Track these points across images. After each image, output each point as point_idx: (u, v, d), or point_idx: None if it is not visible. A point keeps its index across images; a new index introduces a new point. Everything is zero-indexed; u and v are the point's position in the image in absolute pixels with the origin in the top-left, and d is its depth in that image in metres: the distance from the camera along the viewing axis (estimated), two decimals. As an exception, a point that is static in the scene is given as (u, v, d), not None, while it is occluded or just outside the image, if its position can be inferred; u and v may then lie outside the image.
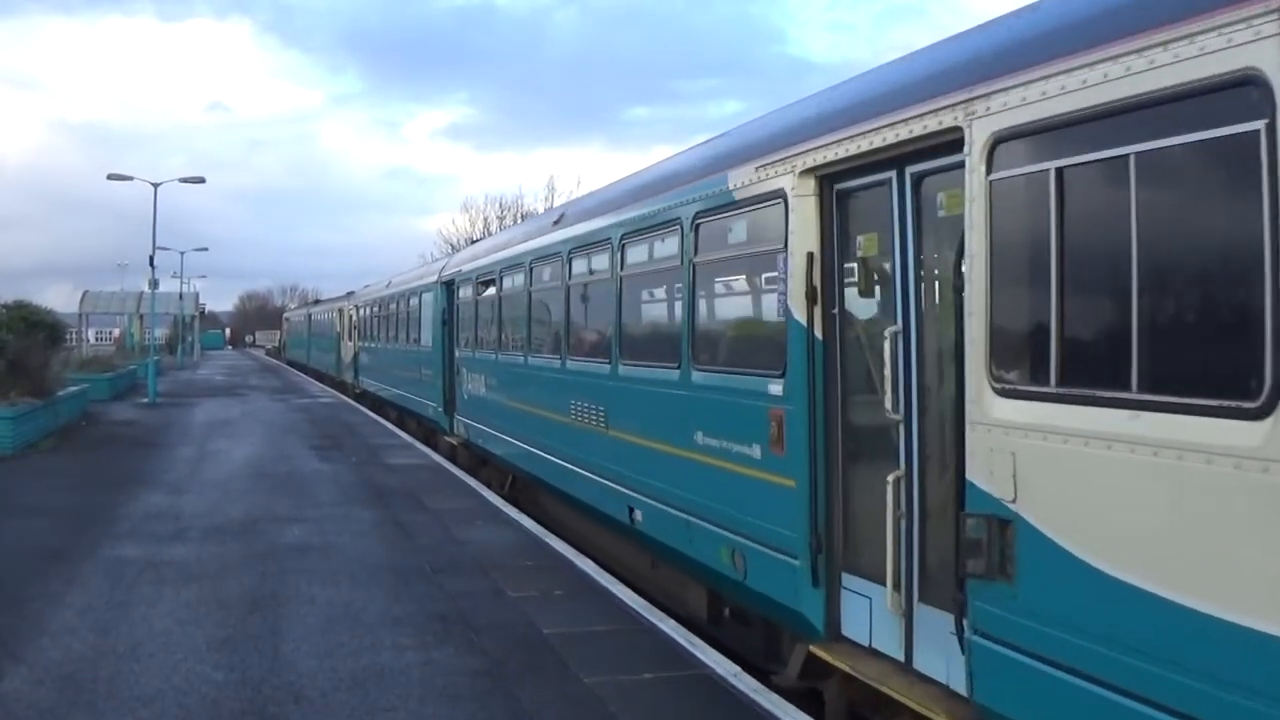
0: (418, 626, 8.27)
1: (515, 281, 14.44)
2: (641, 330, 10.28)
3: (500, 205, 63.20)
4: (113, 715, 6.41)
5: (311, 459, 18.97)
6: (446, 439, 19.76)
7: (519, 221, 48.77)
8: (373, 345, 31.47)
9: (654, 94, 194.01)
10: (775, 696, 6.78)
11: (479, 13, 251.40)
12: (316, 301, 59.22)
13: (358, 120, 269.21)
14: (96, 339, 77.56)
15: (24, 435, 19.76)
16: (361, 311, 34.34)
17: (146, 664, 7.33)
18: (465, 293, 18.06)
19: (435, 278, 21.06)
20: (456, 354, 18.59)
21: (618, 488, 9.86)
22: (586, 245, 11.10)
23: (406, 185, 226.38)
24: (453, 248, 56.77)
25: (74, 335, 55.88)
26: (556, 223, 12.67)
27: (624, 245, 9.93)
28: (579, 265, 11.46)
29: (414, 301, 23.78)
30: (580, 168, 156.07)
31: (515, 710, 6.51)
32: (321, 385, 43.53)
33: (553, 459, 12.23)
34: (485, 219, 62.39)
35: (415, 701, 6.63)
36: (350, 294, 40.26)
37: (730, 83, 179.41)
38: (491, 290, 16.09)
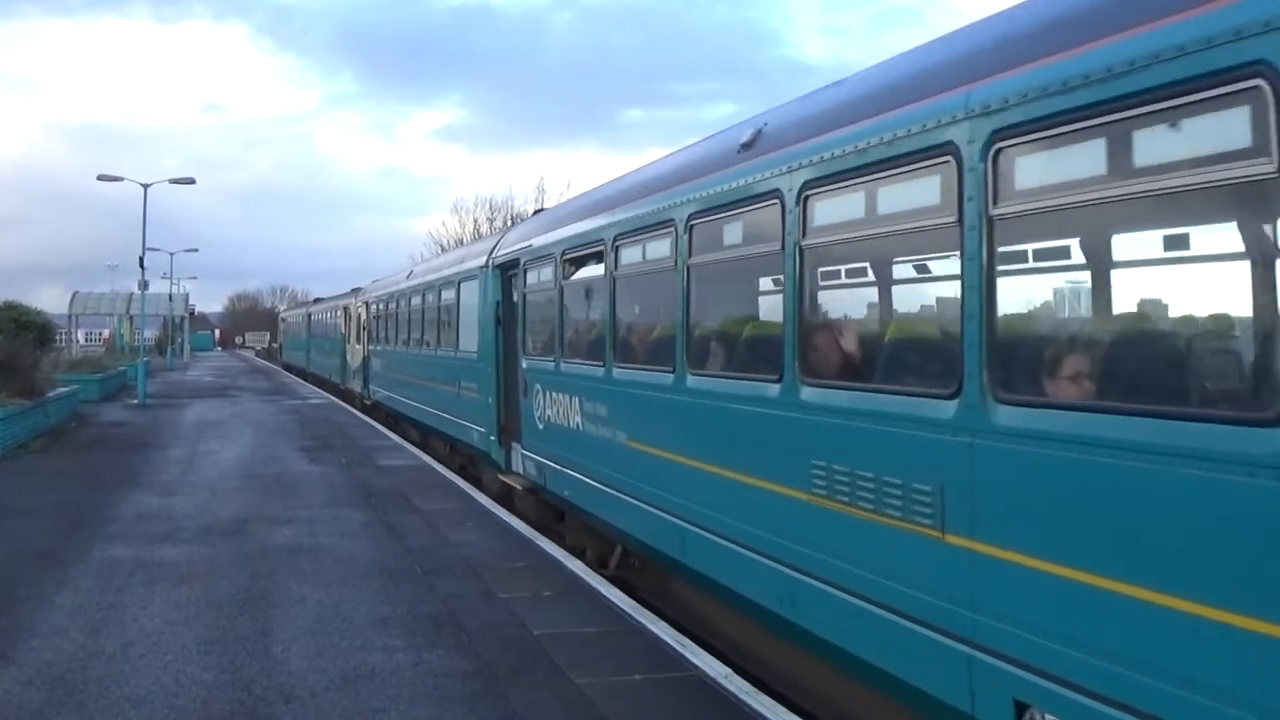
0: (408, 627, 8.28)
1: (650, 253, 9.16)
2: (1103, 335, 5.26)
3: (490, 207, 63.25)
4: (102, 716, 6.41)
5: (301, 460, 18.94)
6: (502, 479, 14.37)
7: (510, 223, 47.96)
8: (388, 349, 26.13)
9: (650, 96, 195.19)
10: (766, 698, 6.81)
11: (476, 14, 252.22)
12: (317, 300, 53.81)
13: (352, 121, 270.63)
14: (86, 340, 77.35)
15: (14, 436, 19.72)
16: (373, 309, 29.07)
17: (137, 665, 7.33)
18: (539, 277, 12.77)
19: (482, 260, 15.76)
20: (524, 364, 13.07)
21: (976, 653, 4.96)
22: (859, 171, 5.92)
23: (400, 186, 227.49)
24: (442, 248, 56.74)
25: (64, 336, 55.82)
26: (748, 146, 7.39)
27: (999, 154, 4.91)
28: (829, 211, 6.42)
29: (447, 295, 18.69)
30: (572, 170, 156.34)
31: (506, 712, 6.53)
32: (312, 387, 43.36)
33: (743, 550, 7.10)
34: (475, 220, 62.44)
35: (406, 702, 6.64)
36: (357, 290, 35.22)
37: (727, 85, 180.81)
38: (594, 270, 10.71)
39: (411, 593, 9.39)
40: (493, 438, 14.81)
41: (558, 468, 11.58)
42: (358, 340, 32.23)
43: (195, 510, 13.50)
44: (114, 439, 22.54)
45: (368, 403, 29.71)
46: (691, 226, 8.06)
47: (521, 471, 13.34)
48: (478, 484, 16.12)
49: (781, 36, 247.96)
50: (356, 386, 32.28)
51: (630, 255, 9.62)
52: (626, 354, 9.69)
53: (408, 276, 24.29)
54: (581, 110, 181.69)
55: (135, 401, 33.17)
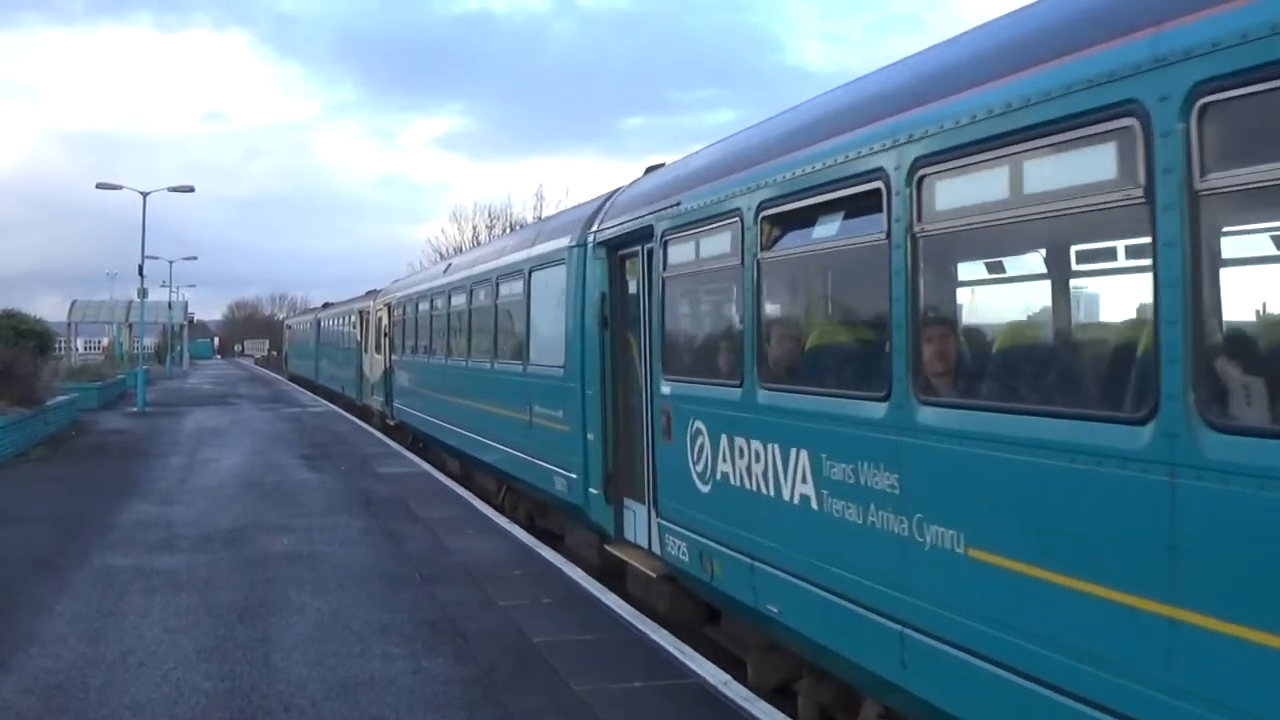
0: (407, 635, 8.28)
1: (1036, 182, 4.57)
2: None
3: (489, 214, 63.29)
4: (102, 724, 6.42)
5: (301, 468, 18.94)
6: (612, 551, 10.05)
7: (509, 230, 47.47)
8: (419, 360, 21.04)
9: (650, 103, 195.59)
10: (765, 704, 6.80)
11: (477, 22, 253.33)
12: (326, 304, 48.10)
13: (353, 129, 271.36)
14: (85, 348, 77.34)
15: (14, 444, 19.74)
16: (396, 313, 24.23)
17: (136, 673, 7.33)
18: (697, 252, 8.21)
19: (568, 239, 11.38)
20: (664, 388, 8.58)
21: None
22: None
23: (401, 193, 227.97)
24: (441, 255, 56.68)
25: (63, 344, 55.88)
26: None
27: None
28: None
29: (509, 290, 14.02)
30: (571, 178, 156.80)
31: (505, 718, 6.53)
32: (312, 395, 43.31)
33: None
34: (474, 228, 62.50)
35: (405, 710, 6.64)
36: (374, 292, 30.77)
37: (727, 92, 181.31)
38: (846, 230, 6.18)
39: (411, 600, 9.39)
40: (593, 490, 10.41)
41: (750, 562, 7.02)
42: (377, 349, 27.49)
43: (194, 518, 13.50)
44: (113, 447, 22.55)
45: (391, 423, 25.26)
46: (1203, 110, 3.69)
47: (656, 550, 8.90)
48: (550, 539, 12.36)
49: (782, 42, 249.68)
50: (376, 404, 27.61)
51: (963, 192, 5.07)
52: (944, 382, 5.40)
53: (445, 270, 19.69)
54: (581, 117, 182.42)
55: (134, 409, 33.21)
